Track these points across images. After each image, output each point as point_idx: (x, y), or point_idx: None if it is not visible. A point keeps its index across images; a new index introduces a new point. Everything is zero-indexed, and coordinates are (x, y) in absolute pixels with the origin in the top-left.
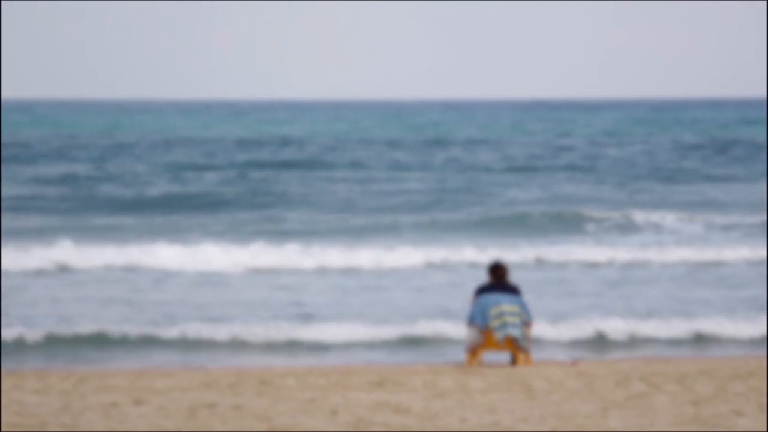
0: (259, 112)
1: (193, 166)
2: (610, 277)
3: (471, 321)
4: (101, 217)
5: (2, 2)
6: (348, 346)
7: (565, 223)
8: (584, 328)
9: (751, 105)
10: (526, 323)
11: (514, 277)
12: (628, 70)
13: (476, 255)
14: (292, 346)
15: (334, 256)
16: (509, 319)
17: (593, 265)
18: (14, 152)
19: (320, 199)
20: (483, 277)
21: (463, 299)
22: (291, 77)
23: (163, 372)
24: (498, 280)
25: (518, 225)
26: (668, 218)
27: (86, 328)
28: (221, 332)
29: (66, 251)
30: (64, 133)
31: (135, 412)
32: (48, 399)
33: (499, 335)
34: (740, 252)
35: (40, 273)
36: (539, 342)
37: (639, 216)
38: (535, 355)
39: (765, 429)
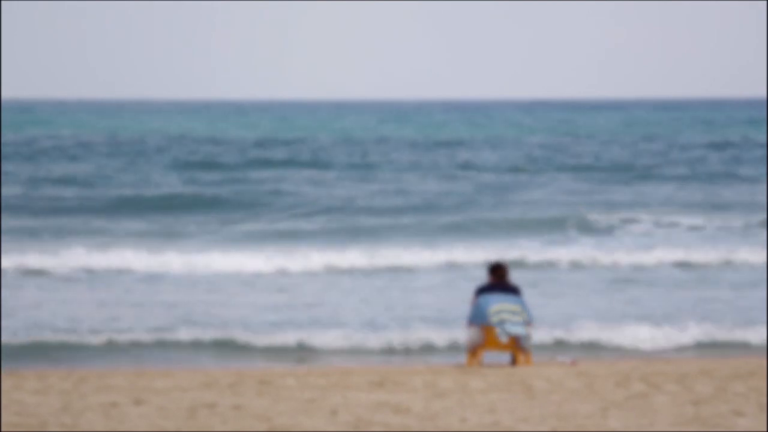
0: (260, 111)
1: (193, 165)
2: (610, 278)
3: (471, 321)
4: (101, 217)
5: (2, 2)
6: (348, 349)
7: (566, 223)
8: (584, 328)
9: (751, 105)
10: (527, 323)
11: (513, 278)
12: (628, 70)
13: (476, 255)
14: (294, 349)
15: (334, 256)
16: (510, 318)
17: (593, 266)
18: (14, 152)
19: (320, 200)
20: (483, 278)
21: (463, 299)
22: (291, 77)
23: (163, 372)
24: (498, 280)
25: (518, 225)
26: (668, 218)
27: (85, 329)
28: (221, 335)
29: (66, 251)
30: (65, 133)
31: (135, 412)
32: (48, 399)
33: (501, 334)
34: (740, 253)
35: (40, 273)
36: (540, 346)
37: (639, 216)
38: (535, 356)
39: (765, 429)
